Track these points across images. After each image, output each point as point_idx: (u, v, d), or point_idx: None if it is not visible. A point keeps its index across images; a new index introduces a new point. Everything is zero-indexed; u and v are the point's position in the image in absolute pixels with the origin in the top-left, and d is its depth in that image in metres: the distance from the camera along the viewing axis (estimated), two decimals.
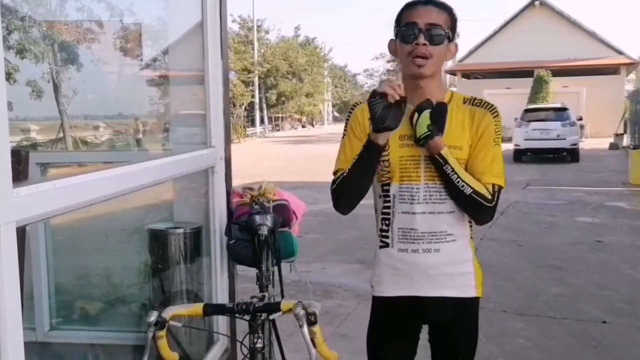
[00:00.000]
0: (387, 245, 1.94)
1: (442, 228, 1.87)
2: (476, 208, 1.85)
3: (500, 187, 1.87)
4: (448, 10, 1.87)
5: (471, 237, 1.96)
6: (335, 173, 1.96)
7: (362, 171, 1.88)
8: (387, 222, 1.93)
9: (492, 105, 1.91)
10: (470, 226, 1.94)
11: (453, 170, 1.80)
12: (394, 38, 1.91)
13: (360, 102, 2.00)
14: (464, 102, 1.92)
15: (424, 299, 1.91)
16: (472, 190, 1.81)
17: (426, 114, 1.79)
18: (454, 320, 1.96)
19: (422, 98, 1.85)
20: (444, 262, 1.88)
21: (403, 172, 1.88)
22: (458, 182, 1.80)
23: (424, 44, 1.79)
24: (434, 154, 1.81)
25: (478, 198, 1.82)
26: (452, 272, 1.90)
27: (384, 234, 1.95)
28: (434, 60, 1.82)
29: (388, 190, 1.92)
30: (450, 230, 1.88)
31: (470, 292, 1.93)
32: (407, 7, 1.88)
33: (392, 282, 1.95)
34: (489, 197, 1.83)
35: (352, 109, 2.01)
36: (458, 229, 1.90)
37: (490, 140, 1.86)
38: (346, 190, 1.92)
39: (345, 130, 2.01)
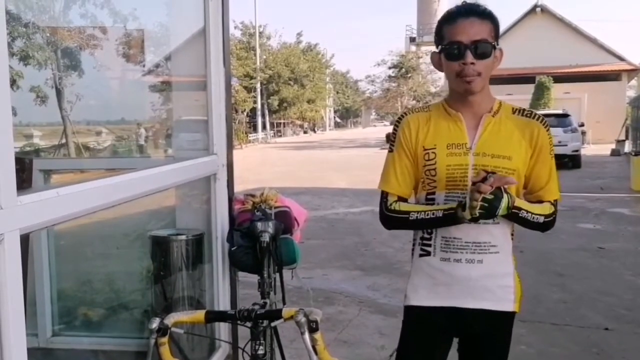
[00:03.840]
0: (428, 253, 1.91)
1: (486, 239, 1.85)
2: (546, 227, 1.90)
3: (557, 199, 1.94)
4: (490, 16, 1.81)
5: (512, 251, 1.94)
6: (385, 195, 1.93)
7: (431, 227, 1.88)
8: (429, 230, 1.90)
9: (542, 117, 1.91)
10: (512, 239, 1.93)
11: (527, 211, 1.82)
12: (437, 52, 1.86)
13: (407, 114, 1.97)
14: (513, 112, 1.90)
15: (461, 310, 1.89)
16: (543, 217, 1.86)
17: (505, 200, 1.70)
18: (488, 334, 1.93)
19: (471, 110, 1.86)
20: (486, 274, 1.86)
21: (450, 181, 1.85)
22: (533, 218, 1.83)
23: (472, 63, 1.75)
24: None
25: (547, 220, 1.88)
26: (493, 284, 1.88)
27: (425, 242, 1.92)
28: (483, 76, 1.79)
29: (433, 199, 1.89)
30: (494, 242, 1.86)
31: (509, 306, 1.90)
32: (448, 20, 1.81)
33: (431, 292, 1.91)
34: (553, 211, 1.90)
35: (400, 119, 1.96)
36: (501, 241, 1.88)
37: (547, 153, 1.89)
38: (404, 227, 1.92)
39: (392, 143, 1.96)
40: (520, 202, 1.81)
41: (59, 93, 9.57)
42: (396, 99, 44.38)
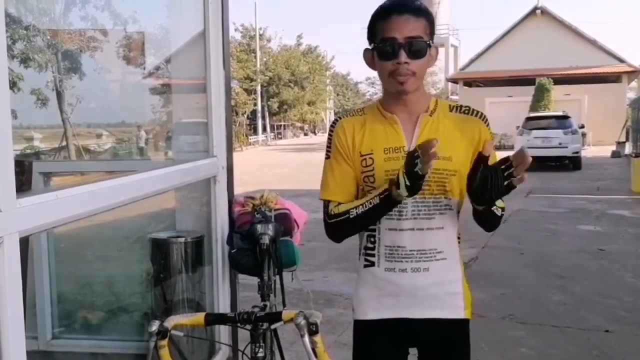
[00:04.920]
0: (372, 264, 1.81)
1: (432, 246, 1.76)
2: (498, 222, 1.79)
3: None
4: (425, 13, 1.71)
5: (460, 256, 1.85)
6: (326, 204, 1.81)
7: (374, 219, 1.75)
8: (372, 239, 1.80)
9: (480, 112, 1.83)
10: (459, 243, 1.85)
11: (496, 206, 1.71)
12: (370, 49, 1.75)
13: (341, 117, 1.85)
14: (451, 110, 1.81)
15: (411, 320, 1.79)
16: (501, 210, 1.76)
17: (500, 173, 1.52)
18: (444, 344, 1.85)
19: (406, 110, 1.77)
20: (433, 282, 1.77)
21: None
22: (497, 211, 1.72)
23: (406, 62, 1.66)
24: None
25: (502, 213, 1.77)
26: (441, 292, 1.79)
27: (369, 252, 1.82)
28: (418, 75, 1.70)
29: None
30: (440, 248, 1.77)
31: (460, 314, 1.81)
32: (380, 16, 1.71)
33: (377, 304, 1.81)
34: (504, 206, 1.78)
35: (334, 124, 1.84)
36: (448, 247, 1.79)
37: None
38: (349, 231, 1.80)
39: (328, 150, 1.84)
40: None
41: (59, 95, 9.58)
42: None
